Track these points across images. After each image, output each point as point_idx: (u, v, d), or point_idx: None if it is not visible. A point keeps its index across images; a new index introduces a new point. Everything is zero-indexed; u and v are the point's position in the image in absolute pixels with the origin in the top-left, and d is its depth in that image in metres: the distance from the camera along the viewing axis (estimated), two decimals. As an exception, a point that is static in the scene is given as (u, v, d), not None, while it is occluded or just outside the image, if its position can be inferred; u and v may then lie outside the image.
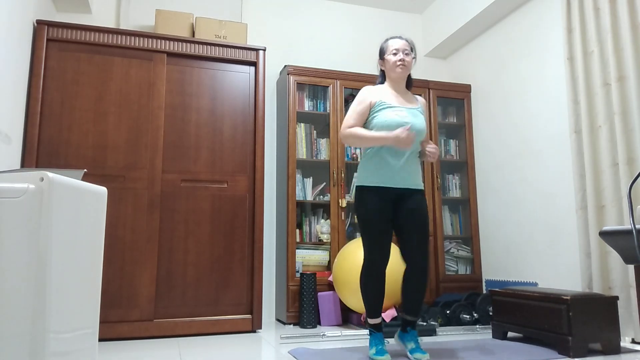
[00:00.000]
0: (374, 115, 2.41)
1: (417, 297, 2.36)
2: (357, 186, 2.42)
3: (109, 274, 2.93)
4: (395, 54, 2.45)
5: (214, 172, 3.24)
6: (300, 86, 3.84)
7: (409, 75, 2.56)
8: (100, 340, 2.88)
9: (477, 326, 3.25)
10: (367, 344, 2.70)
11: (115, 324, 2.89)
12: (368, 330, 2.55)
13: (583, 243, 2.96)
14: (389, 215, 2.36)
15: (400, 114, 2.39)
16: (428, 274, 2.37)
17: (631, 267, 2.67)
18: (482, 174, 4.07)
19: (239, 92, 3.39)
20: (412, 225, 2.36)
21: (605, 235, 0.76)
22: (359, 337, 2.96)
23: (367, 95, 2.46)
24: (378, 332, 2.39)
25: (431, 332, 3.02)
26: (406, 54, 2.46)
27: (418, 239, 2.35)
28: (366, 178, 2.39)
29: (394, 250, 3.31)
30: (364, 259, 2.38)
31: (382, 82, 2.56)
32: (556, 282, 3.28)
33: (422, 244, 2.36)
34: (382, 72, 2.57)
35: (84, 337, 1.64)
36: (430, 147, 2.43)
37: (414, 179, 2.41)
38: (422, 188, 2.45)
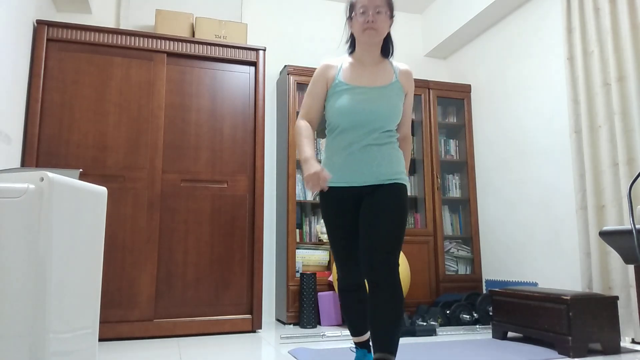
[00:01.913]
0: (329, 100, 1.89)
1: (383, 325, 1.69)
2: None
3: (109, 274, 2.93)
4: (363, 13, 1.82)
5: (214, 172, 3.24)
6: (300, 86, 3.84)
7: (388, 39, 1.94)
8: (100, 340, 2.88)
9: (477, 326, 3.25)
10: (367, 344, 2.69)
11: (115, 324, 2.89)
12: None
13: (583, 243, 2.96)
14: (348, 223, 1.86)
15: (359, 97, 1.83)
16: (397, 293, 1.70)
17: (631, 267, 2.67)
18: (482, 174, 4.07)
19: (239, 92, 3.39)
20: (370, 221, 1.76)
21: (605, 235, 0.76)
22: (359, 337, 2.96)
23: (323, 71, 1.91)
24: (362, 348, 1.97)
25: (431, 332, 3.02)
26: (377, 13, 1.82)
27: (375, 240, 1.72)
28: None
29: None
30: None
31: (352, 50, 1.97)
32: (556, 282, 3.28)
33: (383, 248, 1.71)
34: (353, 37, 1.95)
35: (84, 337, 1.64)
36: None
37: (383, 171, 1.82)
38: (398, 181, 1.83)
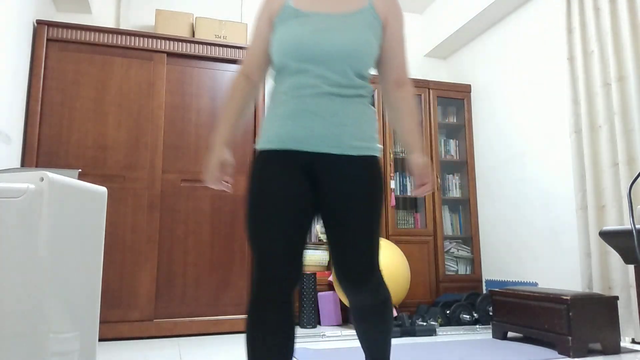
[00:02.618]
0: (274, 32, 1.38)
1: (375, 340, 1.46)
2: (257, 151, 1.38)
3: (109, 274, 2.93)
4: None
5: (214, 172, 3.24)
6: (300, 86, 3.84)
7: None
8: (100, 340, 2.88)
9: (477, 326, 3.25)
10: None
11: (115, 324, 2.89)
12: None
13: (583, 243, 2.96)
14: (292, 203, 1.27)
15: (313, 26, 1.32)
16: (388, 312, 1.42)
17: (631, 267, 2.67)
18: (482, 174, 4.07)
19: (239, 92, 3.39)
20: (343, 220, 1.29)
21: (605, 235, 0.76)
22: (359, 337, 2.96)
23: (267, 1, 1.42)
24: None
25: (431, 332, 3.02)
26: None
27: (353, 254, 1.29)
28: (262, 136, 1.37)
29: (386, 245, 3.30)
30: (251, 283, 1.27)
31: None
32: (556, 282, 3.28)
33: (365, 263, 1.30)
34: None
35: (84, 337, 1.64)
36: (419, 165, 1.40)
37: (348, 134, 1.30)
38: (370, 152, 1.34)
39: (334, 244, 1.31)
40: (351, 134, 1.31)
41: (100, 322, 2.87)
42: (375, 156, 1.36)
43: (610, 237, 0.78)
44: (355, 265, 1.29)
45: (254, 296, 1.22)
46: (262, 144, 1.34)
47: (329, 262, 3.65)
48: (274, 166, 1.29)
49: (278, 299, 1.21)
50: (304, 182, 1.30)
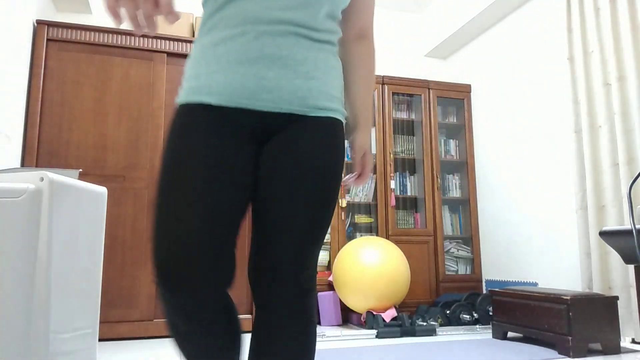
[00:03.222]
0: None
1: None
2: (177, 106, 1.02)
3: (109, 274, 2.93)
4: None
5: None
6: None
7: None
8: (100, 340, 2.88)
9: (477, 326, 3.25)
10: (367, 344, 2.69)
11: (115, 323, 2.89)
12: None
13: (583, 243, 2.96)
14: (229, 178, 0.94)
15: None
16: (309, 327, 1.01)
17: (631, 267, 2.67)
18: (482, 173, 4.07)
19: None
20: (294, 199, 0.97)
21: (605, 235, 0.77)
22: (359, 337, 2.96)
23: None
24: None
25: (431, 332, 3.02)
26: None
27: (284, 244, 0.97)
28: (192, 82, 1.00)
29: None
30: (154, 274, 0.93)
31: None
32: (556, 282, 3.28)
33: (295, 258, 0.97)
34: None
35: (84, 337, 1.64)
36: (363, 148, 1.16)
37: (313, 88, 0.99)
38: (334, 114, 1.03)
39: (271, 228, 0.97)
40: (319, 90, 1.00)
41: (100, 322, 2.87)
42: (342, 122, 1.07)
43: (610, 237, 0.78)
44: (296, 257, 0.96)
45: (163, 299, 0.89)
46: (193, 94, 0.96)
47: (329, 262, 3.65)
48: (212, 129, 0.93)
49: (214, 301, 0.90)
50: (249, 151, 0.97)
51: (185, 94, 0.99)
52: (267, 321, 0.99)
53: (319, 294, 3.45)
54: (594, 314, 2.42)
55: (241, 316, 3.13)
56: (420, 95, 4.09)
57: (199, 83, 0.96)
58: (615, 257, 2.77)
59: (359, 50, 1.16)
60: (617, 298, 2.48)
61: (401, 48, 4.57)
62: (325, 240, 3.66)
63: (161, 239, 0.89)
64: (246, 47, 0.94)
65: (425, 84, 4.10)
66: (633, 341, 2.69)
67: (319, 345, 2.70)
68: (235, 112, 0.95)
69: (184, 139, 0.94)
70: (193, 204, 0.89)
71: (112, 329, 2.87)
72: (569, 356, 2.35)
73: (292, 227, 0.97)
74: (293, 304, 0.98)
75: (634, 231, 0.71)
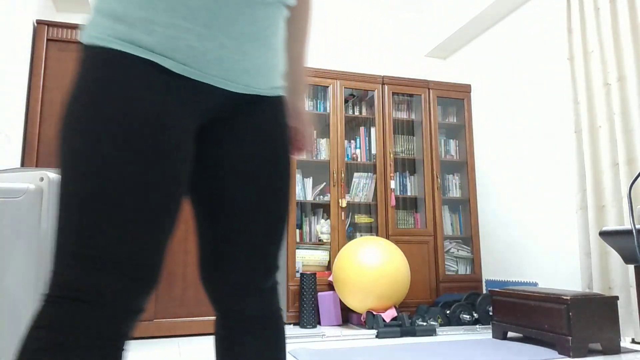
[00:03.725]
0: None
1: None
2: (86, 46, 0.78)
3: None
4: None
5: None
6: (300, 86, 3.84)
7: None
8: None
9: (477, 326, 3.25)
10: (367, 344, 2.69)
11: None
12: None
13: (583, 243, 2.96)
14: (185, 162, 0.76)
15: None
16: (283, 330, 0.93)
17: (631, 267, 2.67)
18: (482, 174, 4.07)
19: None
20: (254, 194, 0.87)
21: (605, 235, 0.77)
22: (359, 337, 2.96)
23: None
24: None
25: (431, 332, 3.02)
26: None
27: (266, 231, 0.88)
28: (132, 30, 0.73)
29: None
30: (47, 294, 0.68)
31: None
32: (556, 282, 3.28)
33: (266, 257, 0.89)
34: None
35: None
36: (302, 114, 1.02)
37: (271, 66, 0.87)
38: (281, 92, 0.92)
39: (226, 227, 0.85)
40: (272, 68, 0.87)
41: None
42: (279, 97, 0.92)
43: (610, 237, 0.78)
44: (262, 257, 0.87)
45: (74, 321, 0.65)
46: (141, 49, 0.72)
47: (329, 262, 3.65)
48: (163, 99, 0.73)
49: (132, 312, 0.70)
50: (193, 135, 0.79)
51: (124, 37, 0.72)
52: (245, 330, 0.88)
53: (319, 294, 3.45)
54: (594, 314, 2.42)
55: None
56: (420, 95, 4.09)
57: (155, 39, 0.72)
58: (615, 257, 2.77)
59: (298, 20, 1.02)
60: (617, 298, 2.48)
61: (401, 48, 4.57)
62: (325, 241, 3.66)
63: (94, 231, 0.66)
64: (212, 5, 0.75)
65: (425, 84, 4.10)
66: (633, 341, 2.69)
67: (319, 346, 2.70)
68: (192, 84, 0.77)
69: (124, 104, 0.69)
70: (143, 196, 0.69)
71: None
72: (569, 356, 2.35)
73: (276, 227, 0.89)
74: (271, 308, 0.91)
75: (634, 231, 0.71)
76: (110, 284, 0.66)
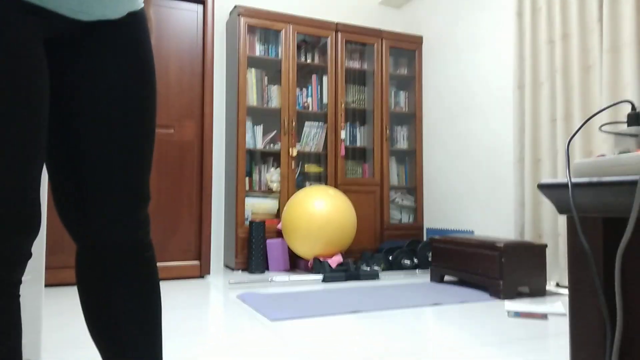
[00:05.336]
0: None
1: (134, 314, 0.86)
2: None
3: (52, 216, 2.83)
4: None
5: (160, 116, 3.13)
6: (251, 29, 3.71)
7: None
8: (46, 285, 2.80)
9: (417, 271, 3.43)
10: (314, 288, 2.79)
11: (61, 269, 2.82)
12: None
13: (518, 194, 3.14)
14: (45, 96, 0.71)
15: None
16: (156, 267, 0.91)
17: (562, 217, 2.88)
18: (430, 126, 4.17)
19: (186, 32, 3.23)
20: (113, 123, 0.81)
21: (543, 187, 0.82)
22: (306, 282, 3.05)
23: None
24: None
25: (374, 276, 3.17)
26: None
27: (133, 161, 0.84)
28: None
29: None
30: None
31: None
32: (492, 231, 3.48)
33: (145, 171, 0.87)
34: None
35: (28, 283, 1.60)
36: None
37: None
38: (140, 6, 0.89)
39: (88, 159, 0.81)
40: None
41: (46, 268, 2.79)
42: (143, 13, 0.89)
43: (547, 189, 0.83)
44: (125, 189, 0.83)
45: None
46: None
47: (278, 210, 3.68)
48: (13, 29, 0.67)
49: (11, 277, 0.68)
50: (46, 66, 0.73)
51: None
52: (109, 263, 0.84)
53: (268, 240, 3.50)
54: (524, 260, 2.61)
55: (189, 262, 3.14)
56: (373, 45, 4.06)
57: None
58: (546, 208, 2.97)
59: None
60: (546, 246, 2.68)
61: (355, -5, 4.47)
62: (274, 189, 3.67)
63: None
64: None
65: (379, 34, 4.07)
66: (557, 285, 2.94)
67: (268, 289, 2.77)
68: (36, 10, 0.72)
69: None
70: (12, 132, 0.65)
71: (56, 275, 2.81)
72: (500, 298, 2.54)
73: (144, 155, 0.85)
74: (140, 240, 0.86)
75: (569, 184, 0.76)
76: None
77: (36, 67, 0.69)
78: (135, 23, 0.85)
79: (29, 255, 0.69)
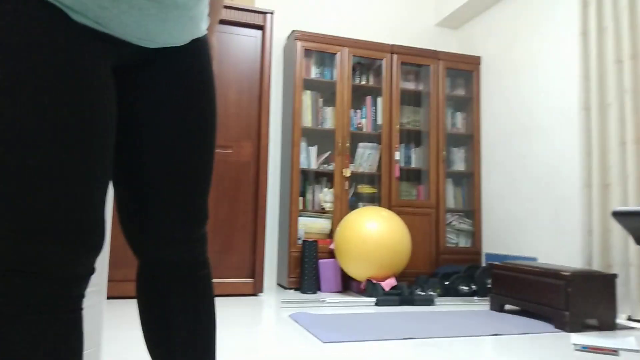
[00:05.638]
0: None
1: (192, 329, 0.89)
2: None
3: (119, 239, 2.96)
4: None
5: (219, 137, 3.22)
6: (307, 52, 3.78)
7: None
8: (109, 297, 2.92)
9: (475, 298, 3.30)
10: (366, 311, 2.74)
11: (123, 282, 2.93)
12: None
13: (586, 220, 2.97)
14: (112, 121, 0.73)
15: None
16: (207, 274, 0.93)
17: (633, 246, 2.69)
18: (488, 147, 4.05)
19: (245, 56, 3.34)
20: (180, 147, 0.85)
21: (618, 215, 0.76)
22: (358, 304, 3.01)
23: None
24: None
25: (429, 301, 3.07)
26: None
27: (196, 183, 0.88)
28: None
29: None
30: None
31: None
32: (555, 258, 3.31)
33: (197, 206, 0.89)
34: None
35: (91, 295, 1.67)
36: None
37: (198, 16, 0.85)
38: (205, 34, 0.92)
39: (145, 177, 0.83)
40: (199, 12, 0.85)
41: (108, 281, 2.91)
42: (202, 39, 0.91)
43: (623, 217, 0.78)
44: (184, 209, 0.86)
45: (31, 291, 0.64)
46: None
47: (331, 230, 3.67)
48: (86, 57, 0.68)
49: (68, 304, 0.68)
50: (114, 91, 0.76)
51: None
52: (169, 280, 0.88)
53: (320, 260, 3.49)
54: (592, 291, 2.46)
55: (243, 280, 3.18)
56: (429, 66, 4.03)
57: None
58: (616, 236, 2.79)
59: None
60: (616, 276, 2.51)
61: (411, 16, 4.47)
62: (327, 209, 3.68)
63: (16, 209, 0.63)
64: None
65: (435, 55, 4.03)
66: (629, 318, 2.74)
67: (319, 310, 2.75)
68: (107, 38, 0.74)
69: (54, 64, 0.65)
70: (74, 153, 0.66)
71: (119, 287, 2.92)
72: (565, 330, 2.40)
73: (205, 177, 0.89)
74: (197, 258, 0.90)
75: (649, 212, 0.71)
76: (52, 252, 0.64)
77: (105, 93, 0.71)
78: (199, 49, 0.88)
79: (93, 270, 0.71)
